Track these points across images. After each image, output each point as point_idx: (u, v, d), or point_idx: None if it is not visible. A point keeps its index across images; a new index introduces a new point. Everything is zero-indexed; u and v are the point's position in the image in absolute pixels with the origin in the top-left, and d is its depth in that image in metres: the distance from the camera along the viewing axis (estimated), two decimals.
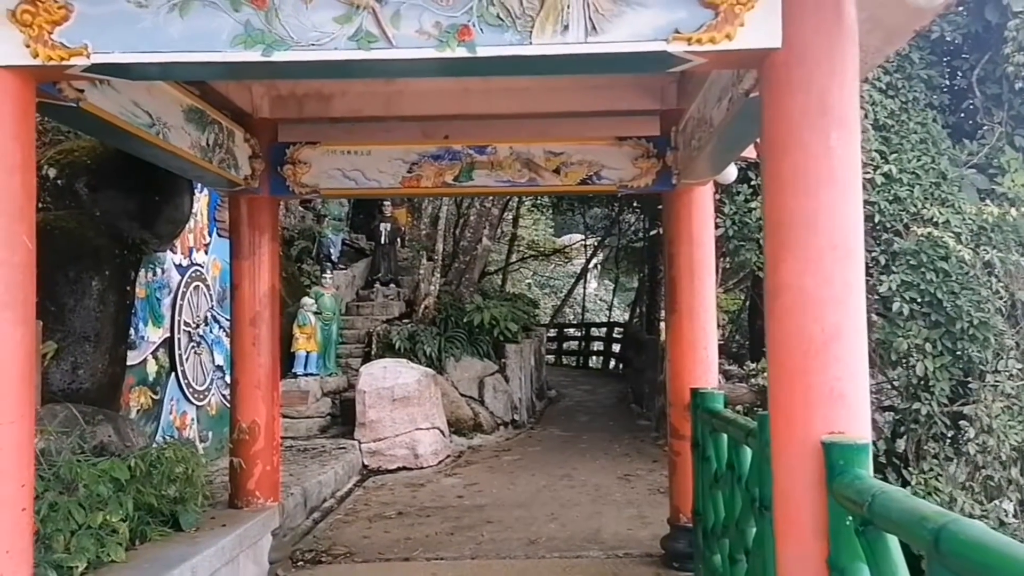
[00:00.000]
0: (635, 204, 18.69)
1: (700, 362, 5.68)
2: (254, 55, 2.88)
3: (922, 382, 7.50)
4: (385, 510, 7.52)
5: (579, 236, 26.47)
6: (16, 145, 2.92)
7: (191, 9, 2.85)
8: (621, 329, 20.78)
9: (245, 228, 5.68)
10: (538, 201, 21.42)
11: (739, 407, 6.66)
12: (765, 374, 7.84)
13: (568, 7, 2.88)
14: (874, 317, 8.92)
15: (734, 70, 3.67)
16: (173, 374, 7.26)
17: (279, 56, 2.88)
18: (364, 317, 12.40)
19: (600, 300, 30.70)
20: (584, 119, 5.82)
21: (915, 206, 7.86)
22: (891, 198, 7.93)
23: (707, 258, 5.77)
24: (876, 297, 7.51)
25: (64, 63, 2.89)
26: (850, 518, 2.59)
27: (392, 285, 13.30)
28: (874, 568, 2.45)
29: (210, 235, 7.97)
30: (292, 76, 4.56)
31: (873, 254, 8.14)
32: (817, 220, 2.90)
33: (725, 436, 4.80)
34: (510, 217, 21.51)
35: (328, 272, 11.12)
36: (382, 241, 13.29)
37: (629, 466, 9.17)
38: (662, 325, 17.92)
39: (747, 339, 13.94)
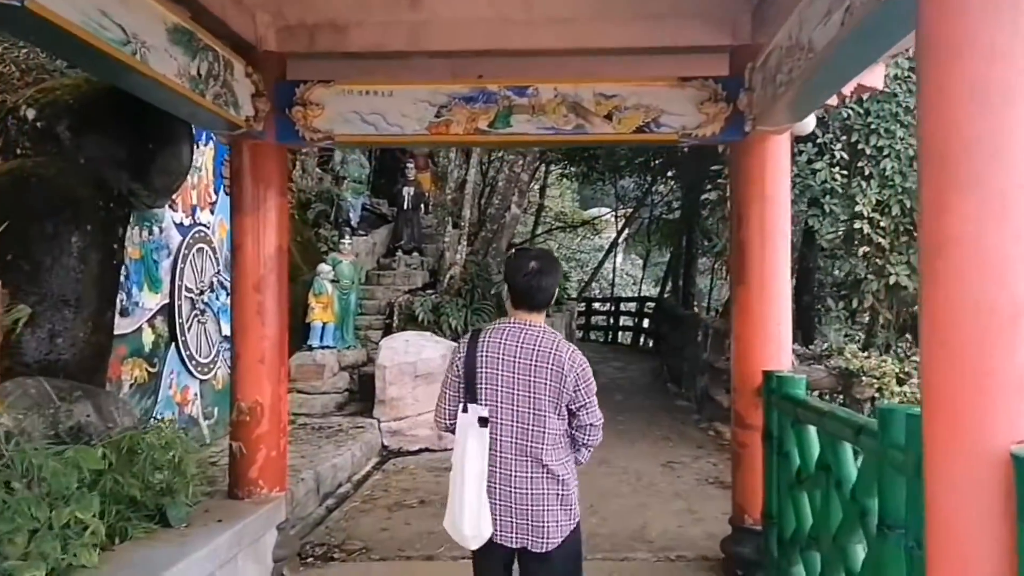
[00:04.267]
0: (669, 174, 17.84)
1: (772, 340, 4.90)
2: None
3: None
4: (406, 497, 6.83)
5: (606, 210, 25.61)
6: None
7: None
8: (652, 304, 19.96)
9: (248, 179, 4.93)
10: (567, 170, 20.55)
11: (816, 393, 5.86)
12: (846, 355, 7.07)
13: None
14: None
15: None
16: (173, 344, 6.57)
17: None
18: (385, 287, 11.67)
19: (627, 275, 29.87)
20: (641, 57, 5.02)
21: None
22: None
23: (782, 220, 4.96)
24: None
25: None
26: None
27: (415, 253, 12.50)
28: None
29: (216, 193, 7.25)
30: None
31: None
32: (1001, 148, 2.11)
33: (813, 430, 4.03)
34: (537, 187, 20.69)
35: (347, 237, 10.33)
36: (405, 206, 12.47)
37: (672, 452, 8.41)
38: (705, 302, 17.12)
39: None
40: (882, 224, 7.60)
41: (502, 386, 2.93)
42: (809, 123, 5.19)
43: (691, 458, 8.14)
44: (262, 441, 4.92)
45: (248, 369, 4.92)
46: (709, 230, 16.37)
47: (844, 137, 7.92)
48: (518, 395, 2.91)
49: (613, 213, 24.45)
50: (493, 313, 10.55)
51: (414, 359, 8.53)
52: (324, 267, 9.55)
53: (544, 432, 2.90)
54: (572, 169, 19.92)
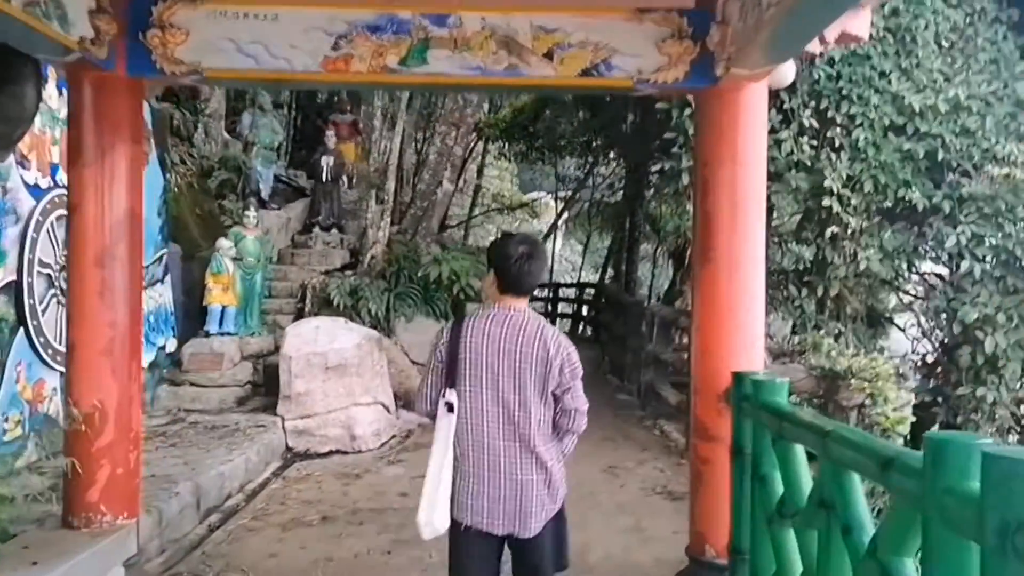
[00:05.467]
0: (611, 154, 16.98)
1: (742, 331, 4.08)
2: None
3: (989, 362, 5.94)
4: (306, 512, 5.82)
5: (545, 193, 24.70)
6: None
7: None
8: (593, 290, 19.12)
9: (89, 120, 3.90)
10: (505, 149, 19.55)
11: (792, 398, 5.01)
12: (826, 350, 6.26)
13: None
14: (934, 280, 7.37)
15: None
16: (22, 329, 5.43)
17: None
18: (299, 267, 10.52)
19: (566, 260, 29.03)
20: None
21: (988, 140, 6.21)
22: (958, 130, 6.29)
23: (757, 185, 4.15)
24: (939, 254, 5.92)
25: None
26: None
27: (334, 230, 11.33)
28: None
29: None
30: None
31: (935, 199, 6.54)
32: None
33: (799, 449, 3.18)
34: (475, 167, 19.67)
35: (252, 209, 9.07)
36: (324, 178, 11.26)
37: (614, 454, 7.55)
38: (648, 291, 16.27)
39: None
40: (852, 202, 6.82)
41: (487, 373, 2.90)
42: (789, 71, 4.34)
43: (635, 462, 7.30)
44: (104, 455, 3.89)
45: (87, 364, 3.89)
46: (653, 213, 15.60)
47: (813, 103, 7.09)
48: (503, 381, 2.88)
49: (553, 195, 23.55)
50: (419, 298, 9.55)
51: (325, 348, 7.49)
52: (224, 242, 8.38)
53: (530, 418, 2.88)
54: (510, 148, 18.93)
